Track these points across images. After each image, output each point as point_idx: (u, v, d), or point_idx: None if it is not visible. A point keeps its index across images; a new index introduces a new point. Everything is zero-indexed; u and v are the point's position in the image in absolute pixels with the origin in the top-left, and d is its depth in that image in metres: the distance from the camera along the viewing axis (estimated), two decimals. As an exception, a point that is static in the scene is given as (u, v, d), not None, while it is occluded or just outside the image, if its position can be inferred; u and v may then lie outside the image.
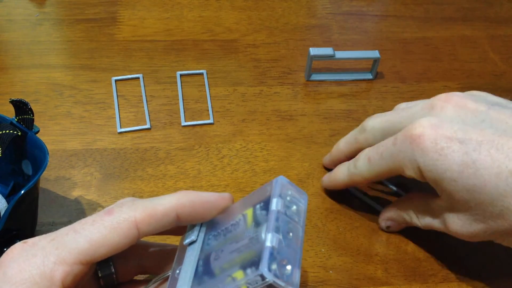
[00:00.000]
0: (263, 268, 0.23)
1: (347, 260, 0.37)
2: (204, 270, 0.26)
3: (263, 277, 0.23)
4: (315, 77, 0.51)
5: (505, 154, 0.29)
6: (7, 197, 0.37)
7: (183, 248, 0.28)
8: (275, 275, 0.23)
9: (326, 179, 0.41)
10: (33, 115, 0.35)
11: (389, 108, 0.49)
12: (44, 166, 0.32)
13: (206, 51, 0.53)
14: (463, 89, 0.51)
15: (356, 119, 0.48)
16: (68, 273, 0.24)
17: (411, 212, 0.37)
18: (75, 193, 0.41)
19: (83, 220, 0.26)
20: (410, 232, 0.39)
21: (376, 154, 0.35)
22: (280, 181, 0.26)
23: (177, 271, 0.27)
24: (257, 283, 0.23)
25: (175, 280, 0.27)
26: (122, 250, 0.26)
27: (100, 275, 0.29)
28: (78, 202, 0.40)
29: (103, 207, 0.40)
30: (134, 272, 0.31)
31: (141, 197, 0.36)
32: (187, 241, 0.28)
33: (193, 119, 0.47)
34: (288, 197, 0.26)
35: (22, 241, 0.25)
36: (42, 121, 0.45)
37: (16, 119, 0.35)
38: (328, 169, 0.43)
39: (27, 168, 0.36)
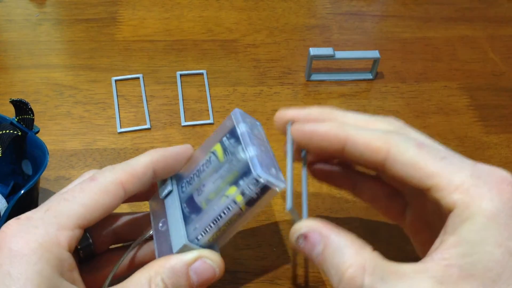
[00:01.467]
0: (257, 171, 0.25)
1: (347, 260, 0.37)
2: (190, 210, 0.28)
3: (257, 180, 0.25)
4: (315, 77, 0.51)
5: None
6: (7, 197, 0.37)
7: (159, 203, 0.30)
8: (267, 175, 0.26)
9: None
10: (33, 115, 0.35)
11: (389, 107, 0.49)
12: (44, 166, 0.32)
13: (206, 51, 0.53)
14: (463, 89, 0.51)
15: (356, 119, 0.48)
16: (72, 237, 0.26)
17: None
18: (75, 193, 0.41)
19: (68, 190, 0.27)
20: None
21: None
22: (238, 111, 0.29)
23: (160, 224, 0.29)
24: (251, 188, 0.26)
25: (163, 232, 0.29)
26: (112, 211, 0.28)
27: (79, 246, 0.30)
28: (78, 202, 0.40)
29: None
30: (109, 242, 0.32)
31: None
32: (164, 193, 0.30)
33: (193, 119, 0.47)
34: (249, 123, 0.29)
35: (14, 218, 0.26)
36: (42, 121, 0.45)
37: (16, 119, 0.35)
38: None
39: (27, 168, 0.36)
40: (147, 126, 0.46)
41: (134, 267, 0.31)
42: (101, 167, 0.42)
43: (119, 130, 0.45)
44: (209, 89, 0.49)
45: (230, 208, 0.27)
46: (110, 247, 0.33)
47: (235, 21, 0.56)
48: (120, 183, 0.28)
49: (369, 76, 0.51)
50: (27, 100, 0.34)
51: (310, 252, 0.25)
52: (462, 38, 0.56)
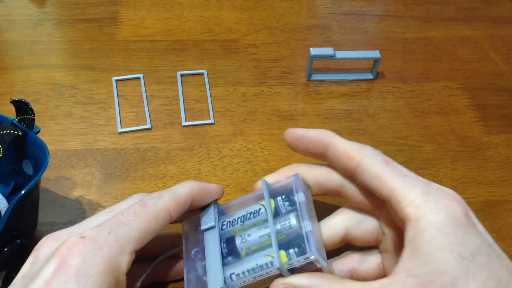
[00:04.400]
0: (311, 249, 0.28)
1: (347, 260, 0.37)
2: (229, 252, 0.31)
3: (308, 257, 0.28)
4: (316, 77, 0.51)
5: None
6: (8, 197, 0.37)
7: (197, 232, 0.32)
8: (319, 254, 0.28)
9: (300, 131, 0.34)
10: (33, 115, 0.35)
11: (390, 107, 0.49)
12: (44, 166, 0.32)
13: (206, 51, 0.53)
14: (463, 89, 0.51)
15: (356, 119, 0.48)
16: (129, 261, 0.27)
17: None
18: (76, 193, 0.41)
19: (124, 213, 0.28)
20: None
21: None
22: (299, 178, 0.32)
23: (193, 252, 0.32)
24: (299, 260, 0.28)
25: (193, 261, 0.32)
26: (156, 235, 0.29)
27: None
28: (78, 202, 0.40)
29: (103, 207, 0.40)
30: (136, 257, 0.33)
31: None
32: (205, 226, 0.32)
33: (194, 119, 0.47)
34: (304, 191, 0.31)
35: (77, 236, 0.26)
36: (43, 121, 0.45)
37: (16, 119, 0.35)
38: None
39: (28, 168, 0.36)
40: (148, 126, 0.46)
41: (156, 280, 0.35)
42: (101, 167, 0.43)
43: (120, 130, 0.45)
44: (209, 89, 0.49)
45: (272, 270, 0.29)
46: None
47: (236, 21, 0.56)
48: (168, 210, 0.30)
49: (370, 76, 0.51)
50: (27, 100, 0.34)
51: None
52: (462, 38, 0.56)
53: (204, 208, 0.33)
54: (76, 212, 0.40)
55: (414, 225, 0.27)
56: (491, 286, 0.25)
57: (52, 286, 0.24)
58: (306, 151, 0.33)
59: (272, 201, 0.31)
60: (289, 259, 0.28)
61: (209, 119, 0.47)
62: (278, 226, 0.30)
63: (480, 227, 0.27)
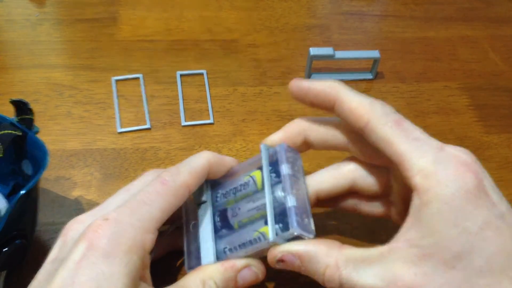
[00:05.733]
0: (293, 225, 0.28)
1: (347, 260, 0.37)
2: (222, 225, 0.31)
3: (291, 233, 0.28)
4: (315, 77, 0.51)
5: None
6: (7, 197, 0.37)
7: (193, 206, 0.33)
8: (301, 229, 0.28)
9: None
10: (33, 115, 0.35)
11: (389, 108, 0.49)
12: (44, 166, 0.32)
13: (206, 51, 0.53)
14: (463, 89, 0.51)
15: (356, 119, 0.48)
16: (152, 240, 0.28)
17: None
18: (75, 193, 0.41)
19: (146, 192, 0.28)
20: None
21: None
22: (284, 148, 0.31)
23: (191, 226, 0.32)
24: (285, 237, 0.28)
25: (192, 233, 0.32)
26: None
27: None
28: (78, 202, 0.40)
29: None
30: None
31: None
32: (198, 201, 0.32)
33: (193, 119, 0.47)
34: (290, 159, 0.31)
35: (101, 218, 0.27)
36: (42, 121, 0.45)
37: (16, 119, 0.35)
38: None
39: (27, 168, 0.36)
40: (147, 126, 0.46)
41: (166, 252, 0.35)
42: (101, 167, 0.43)
43: (119, 130, 0.45)
44: (209, 89, 0.49)
45: (261, 243, 0.29)
46: None
47: (235, 21, 0.56)
48: (187, 186, 0.30)
49: (369, 76, 0.51)
50: (27, 100, 0.34)
51: (292, 268, 0.29)
52: (462, 38, 0.56)
53: None
54: (76, 212, 0.39)
55: (421, 196, 0.26)
56: (498, 261, 0.24)
57: (81, 267, 0.25)
58: (312, 104, 0.31)
59: (259, 172, 0.31)
60: (274, 233, 0.28)
61: (209, 119, 0.47)
62: (263, 200, 0.30)
63: (495, 196, 0.26)
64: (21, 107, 0.34)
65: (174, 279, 0.33)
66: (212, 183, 0.33)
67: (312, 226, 0.30)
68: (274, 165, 0.31)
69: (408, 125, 0.28)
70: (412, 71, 0.52)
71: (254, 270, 0.30)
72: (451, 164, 0.26)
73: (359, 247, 0.28)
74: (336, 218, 0.40)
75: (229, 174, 0.33)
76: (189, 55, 0.52)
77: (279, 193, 0.30)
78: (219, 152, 0.44)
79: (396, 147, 0.27)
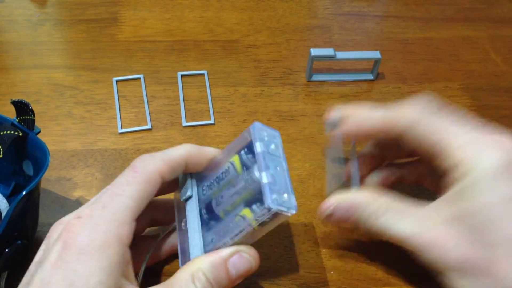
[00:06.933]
0: (267, 201, 0.27)
1: (348, 260, 0.37)
2: (210, 216, 0.31)
3: (269, 209, 0.27)
4: (316, 77, 0.51)
5: None
6: (8, 198, 0.37)
7: (181, 203, 0.32)
8: (278, 204, 0.27)
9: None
10: (34, 116, 0.35)
11: (390, 108, 0.49)
12: (45, 167, 0.32)
13: (207, 51, 0.53)
14: (464, 89, 0.51)
15: (357, 119, 0.48)
16: (130, 231, 0.27)
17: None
18: (76, 194, 0.41)
19: (116, 183, 0.28)
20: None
21: None
22: (257, 126, 0.30)
23: (183, 224, 0.32)
24: (264, 215, 0.28)
25: (184, 231, 0.31)
26: (151, 199, 0.29)
27: None
28: (79, 203, 0.40)
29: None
30: (146, 225, 0.35)
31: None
32: (184, 197, 0.32)
33: (194, 120, 0.47)
34: (266, 138, 0.30)
35: (73, 217, 0.27)
36: (43, 122, 0.45)
37: (17, 120, 0.35)
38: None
39: (28, 168, 0.36)
40: (148, 126, 0.46)
41: (164, 255, 0.35)
42: (102, 168, 0.43)
43: (120, 130, 0.45)
44: (210, 89, 0.49)
45: (244, 228, 0.28)
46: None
47: (236, 21, 0.56)
48: (159, 172, 0.29)
49: (370, 77, 0.51)
50: (28, 100, 0.34)
51: (341, 220, 0.33)
52: (463, 38, 0.56)
53: (184, 177, 0.33)
54: (77, 213, 0.39)
55: (460, 169, 0.29)
56: None
57: (57, 268, 0.25)
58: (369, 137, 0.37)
59: (236, 156, 0.30)
60: (255, 214, 0.28)
61: (210, 119, 0.47)
62: (242, 183, 0.29)
63: None
64: (22, 107, 0.34)
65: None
66: (198, 177, 0.33)
67: (294, 202, 0.29)
68: (249, 146, 0.30)
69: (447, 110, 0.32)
70: (413, 72, 0.52)
71: (245, 256, 0.29)
72: (489, 141, 0.29)
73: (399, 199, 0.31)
74: (337, 218, 0.40)
75: (213, 166, 0.32)
76: (190, 55, 0.52)
77: (255, 173, 0.29)
78: (220, 152, 0.44)
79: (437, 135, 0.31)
